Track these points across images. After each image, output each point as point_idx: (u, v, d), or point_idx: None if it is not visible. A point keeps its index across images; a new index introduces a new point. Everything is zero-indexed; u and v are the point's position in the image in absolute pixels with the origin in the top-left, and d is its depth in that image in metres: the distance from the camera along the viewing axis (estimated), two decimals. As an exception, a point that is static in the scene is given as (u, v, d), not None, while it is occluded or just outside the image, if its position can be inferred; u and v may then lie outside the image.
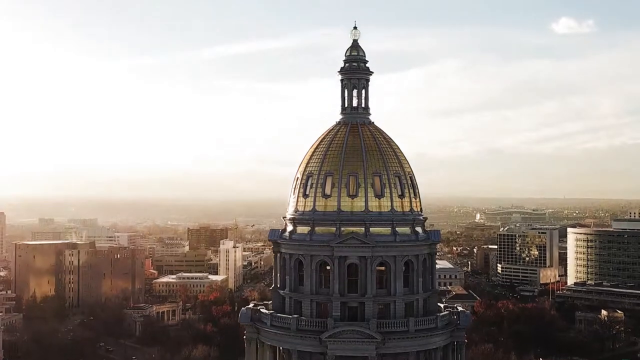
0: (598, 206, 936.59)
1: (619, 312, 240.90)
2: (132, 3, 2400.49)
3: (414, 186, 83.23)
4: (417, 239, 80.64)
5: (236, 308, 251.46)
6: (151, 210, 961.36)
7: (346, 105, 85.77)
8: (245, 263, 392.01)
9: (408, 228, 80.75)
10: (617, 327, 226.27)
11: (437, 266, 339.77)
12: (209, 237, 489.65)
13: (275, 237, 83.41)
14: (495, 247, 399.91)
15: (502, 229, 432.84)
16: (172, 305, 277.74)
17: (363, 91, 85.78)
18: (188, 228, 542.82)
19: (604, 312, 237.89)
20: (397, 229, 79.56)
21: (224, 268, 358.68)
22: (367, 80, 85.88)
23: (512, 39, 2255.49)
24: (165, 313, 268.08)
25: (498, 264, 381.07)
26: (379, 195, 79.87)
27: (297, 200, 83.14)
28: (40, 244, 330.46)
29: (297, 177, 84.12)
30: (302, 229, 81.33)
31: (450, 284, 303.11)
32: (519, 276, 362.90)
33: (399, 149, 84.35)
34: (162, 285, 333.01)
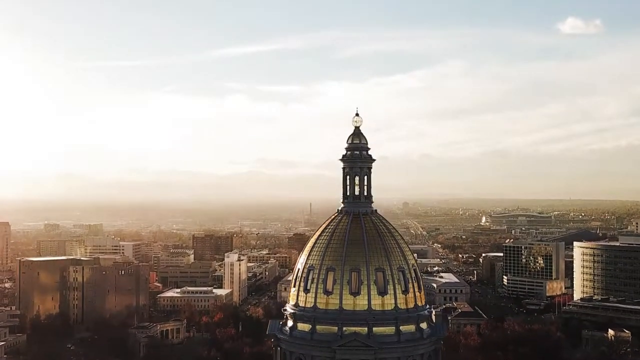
0: (604, 208, 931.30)
1: (626, 331, 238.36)
2: (139, 5, 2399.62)
3: (417, 279, 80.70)
4: (422, 337, 78.16)
5: (240, 328, 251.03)
6: (156, 213, 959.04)
7: (348, 193, 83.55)
8: (250, 274, 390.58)
9: (412, 326, 78.20)
10: (625, 347, 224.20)
11: (443, 280, 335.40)
12: (214, 244, 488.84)
13: (275, 331, 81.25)
14: (501, 254, 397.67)
15: (508, 240, 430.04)
16: (177, 323, 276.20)
17: (365, 178, 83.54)
18: (193, 235, 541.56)
19: (610, 332, 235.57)
20: (401, 327, 77.00)
21: (229, 281, 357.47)
22: (369, 168, 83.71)
23: (517, 39, 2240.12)
24: (169, 331, 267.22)
25: (504, 276, 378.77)
26: (382, 293, 77.36)
27: (298, 294, 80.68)
28: (44, 261, 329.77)
29: (299, 269, 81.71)
30: (303, 326, 78.95)
31: (456, 299, 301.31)
32: (525, 288, 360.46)
33: (401, 238, 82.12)
34: (167, 300, 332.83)
